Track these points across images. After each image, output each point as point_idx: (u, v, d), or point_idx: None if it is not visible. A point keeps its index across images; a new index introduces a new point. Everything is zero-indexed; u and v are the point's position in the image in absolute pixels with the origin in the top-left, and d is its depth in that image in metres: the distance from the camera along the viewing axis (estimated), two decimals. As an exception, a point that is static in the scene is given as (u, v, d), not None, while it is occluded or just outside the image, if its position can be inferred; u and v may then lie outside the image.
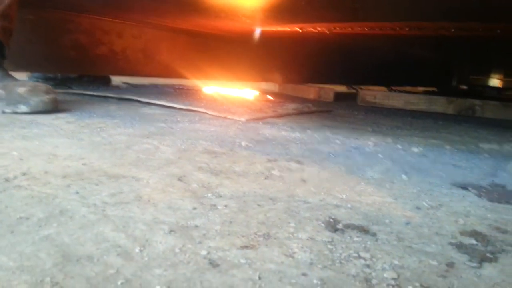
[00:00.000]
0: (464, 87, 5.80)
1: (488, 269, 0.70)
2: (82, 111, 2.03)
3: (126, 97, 2.55)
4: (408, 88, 4.66)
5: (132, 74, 3.18)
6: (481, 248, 0.78)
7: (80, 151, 1.27)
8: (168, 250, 0.68)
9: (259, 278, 0.61)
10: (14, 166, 1.07)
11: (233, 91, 3.41)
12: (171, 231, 0.75)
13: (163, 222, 0.79)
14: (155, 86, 3.41)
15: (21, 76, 2.47)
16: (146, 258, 0.65)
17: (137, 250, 0.67)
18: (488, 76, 6.71)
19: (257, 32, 3.17)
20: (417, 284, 0.63)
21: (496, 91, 5.73)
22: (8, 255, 0.62)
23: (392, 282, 0.63)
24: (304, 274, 0.63)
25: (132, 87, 3.23)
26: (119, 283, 0.57)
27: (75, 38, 2.80)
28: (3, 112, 1.82)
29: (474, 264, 0.71)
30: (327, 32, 2.89)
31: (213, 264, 0.64)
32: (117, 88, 3.16)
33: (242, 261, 0.66)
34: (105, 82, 3.24)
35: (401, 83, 4.58)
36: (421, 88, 4.87)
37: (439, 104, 3.15)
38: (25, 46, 2.53)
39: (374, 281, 0.63)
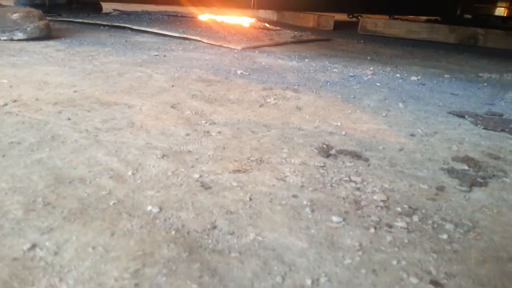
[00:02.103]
0: (468, 16, 5.60)
1: (478, 193, 0.71)
2: (72, 39, 1.97)
3: (118, 24, 2.46)
4: (411, 17, 4.50)
5: (124, 0, 3.04)
6: (472, 173, 0.79)
7: (71, 78, 1.24)
8: (160, 173, 0.68)
9: (250, 199, 0.62)
10: (4, 93, 1.05)
11: (229, 19, 3.29)
12: (164, 155, 0.75)
13: (156, 147, 0.79)
14: (148, 13, 3.27)
15: (7, 3, 2.36)
16: (138, 181, 0.65)
17: (129, 173, 0.67)
18: (493, 4, 6.46)
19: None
20: (406, 206, 0.64)
21: (501, 20, 5.55)
22: (0, 177, 0.63)
23: (381, 203, 0.64)
24: (294, 196, 0.64)
25: (124, 14, 3.11)
26: (111, 203, 0.58)
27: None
28: (-2, 40, 1.77)
29: (464, 188, 0.72)
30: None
31: (205, 186, 0.65)
32: (108, 15, 3.04)
33: (234, 184, 0.67)
34: (95, 9, 3.11)
35: (404, 12, 4.42)
36: (424, 18, 4.71)
37: (441, 33, 3.06)
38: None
39: (363, 203, 0.64)
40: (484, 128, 1.07)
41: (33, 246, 0.48)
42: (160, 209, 0.58)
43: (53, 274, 0.45)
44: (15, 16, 1.76)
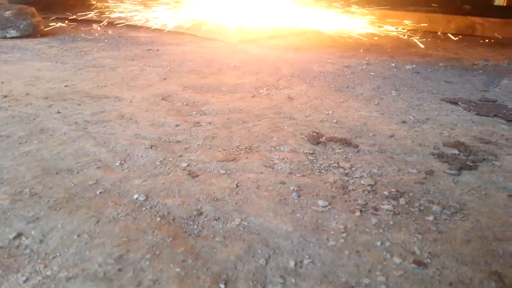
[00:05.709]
0: (467, 7, 5.58)
1: (467, 176, 0.71)
2: (65, 35, 1.96)
3: (112, 20, 2.45)
4: (411, 8, 4.48)
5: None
6: (462, 158, 0.79)
7: (63, 73, 1.24)
8: (148, 163, 0.68)
9: (237, 186, 0.62)
10: (-5, 88, 1.05)
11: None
12: (152, 146, 0.75)
13: (145, 138, 0.79)
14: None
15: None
16: (126, 171, 0.65)
17: (117, 163, 0.67)
18: (493, -6, 6.44)
19: None
20: (393, 190, 0.64)
21: (501, 10, 5.53)
22: (-12, 169, 0.63)
23: (369, 188, 0.64)
24: (282, 182, 0.64)
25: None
26: (97, 192, 0.58)
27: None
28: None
29: (453, 172, 0.72)
30: None
31: (193, 175, 0.65)
32: (102, 11, 3.02)
33: (222, 171, 0.67)
34: (89, 6, 3.09)
35: (403, 4, 4.40)
36: (423, 8, 4.69)
37: (439, 23, 3.04)
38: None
39: (350, 187, 0.64)
40: (477, 114, 1.06)
41: (19, 234, 0.49)
42: (147, 197, 0.58)
43: (38, 261, 0.45)
44: (7, 13, 1.76)
